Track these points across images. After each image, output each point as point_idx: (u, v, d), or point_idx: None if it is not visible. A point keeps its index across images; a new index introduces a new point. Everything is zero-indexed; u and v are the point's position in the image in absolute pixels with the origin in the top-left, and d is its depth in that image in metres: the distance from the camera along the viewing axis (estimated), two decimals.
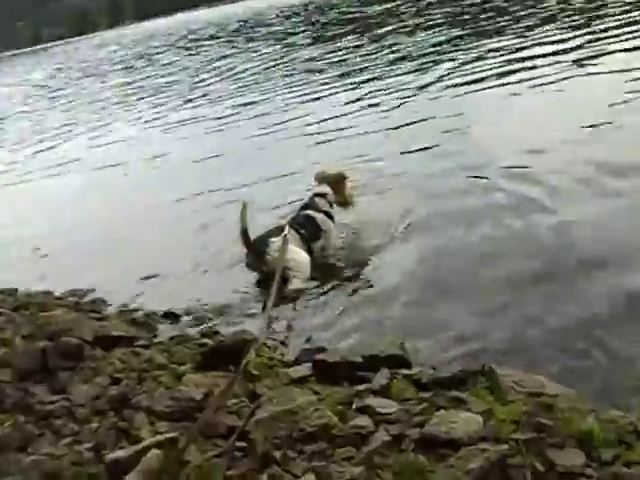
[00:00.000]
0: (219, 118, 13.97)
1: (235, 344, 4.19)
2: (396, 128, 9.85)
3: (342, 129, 10.51)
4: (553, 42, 13.34)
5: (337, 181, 6.31)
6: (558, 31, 14.51)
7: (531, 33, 14.93)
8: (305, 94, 14.11)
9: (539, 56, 12.25)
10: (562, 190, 6.27)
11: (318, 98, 13.44)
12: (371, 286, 5.38)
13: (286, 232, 5.72)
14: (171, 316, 5.41)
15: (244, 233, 5.62)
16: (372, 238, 6.14)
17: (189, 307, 5.54)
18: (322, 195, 6.25)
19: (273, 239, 5.70)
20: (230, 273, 6.08)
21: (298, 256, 5.70)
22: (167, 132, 14.01)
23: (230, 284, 5.83)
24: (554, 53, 12.22)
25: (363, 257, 5.87)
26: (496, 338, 4.33)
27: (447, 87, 11.63)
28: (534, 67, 11.51)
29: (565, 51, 12.20)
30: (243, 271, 5.90)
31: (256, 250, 5.66)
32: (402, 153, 8.55)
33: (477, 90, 10.86)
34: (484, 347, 4.26)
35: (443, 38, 17.20)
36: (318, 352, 4.15)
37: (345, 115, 11.43)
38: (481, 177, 7.03)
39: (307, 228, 5.94)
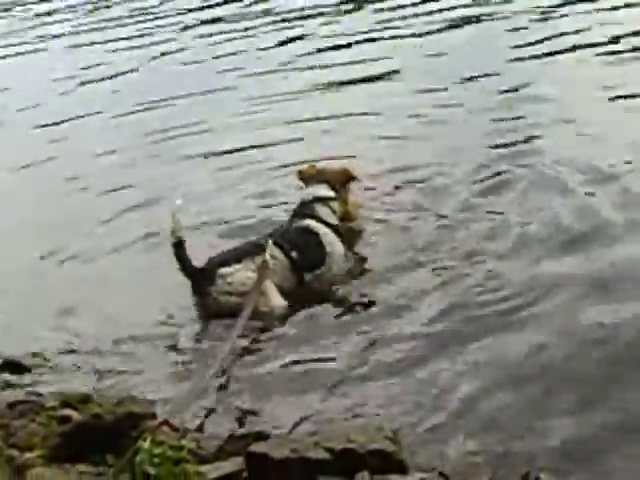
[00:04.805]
0: None
1: (118, 421, 3.07)
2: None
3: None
4: None
5: (341, 182, 4.52)
6: None
7: None
8: None
9: None
10: None
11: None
12: (372, 342, 3.64)
13: (267, 254, 4.10)
14: (12, 368, 3.84)
15: (178, 246, 4.01)
16: (387, 270, 4.27)
17: (46, 351, 3.92)
18: (323, 200, 4.50)
19: (226, 269, 4.06)
20: (138, 289, 4.44)
21: (273, 298, 4.07)
22: None
23: (133, 313, 4.18)
24: None
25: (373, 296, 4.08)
26: (551, 436, 2.81)
27: None
28: None
29: None
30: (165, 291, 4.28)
31: (195, 275, 4.06)
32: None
33: None
34: (533, 449, 2.77)
35: None
36: (255, 440, 2.96)
37: None
38: None
39: (302, 248, 4.22)
